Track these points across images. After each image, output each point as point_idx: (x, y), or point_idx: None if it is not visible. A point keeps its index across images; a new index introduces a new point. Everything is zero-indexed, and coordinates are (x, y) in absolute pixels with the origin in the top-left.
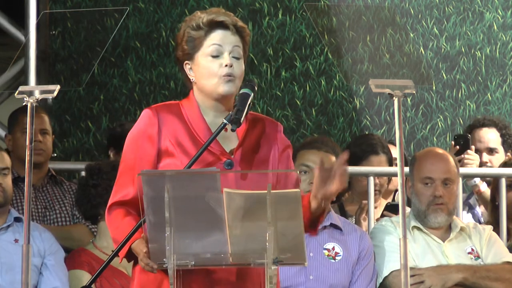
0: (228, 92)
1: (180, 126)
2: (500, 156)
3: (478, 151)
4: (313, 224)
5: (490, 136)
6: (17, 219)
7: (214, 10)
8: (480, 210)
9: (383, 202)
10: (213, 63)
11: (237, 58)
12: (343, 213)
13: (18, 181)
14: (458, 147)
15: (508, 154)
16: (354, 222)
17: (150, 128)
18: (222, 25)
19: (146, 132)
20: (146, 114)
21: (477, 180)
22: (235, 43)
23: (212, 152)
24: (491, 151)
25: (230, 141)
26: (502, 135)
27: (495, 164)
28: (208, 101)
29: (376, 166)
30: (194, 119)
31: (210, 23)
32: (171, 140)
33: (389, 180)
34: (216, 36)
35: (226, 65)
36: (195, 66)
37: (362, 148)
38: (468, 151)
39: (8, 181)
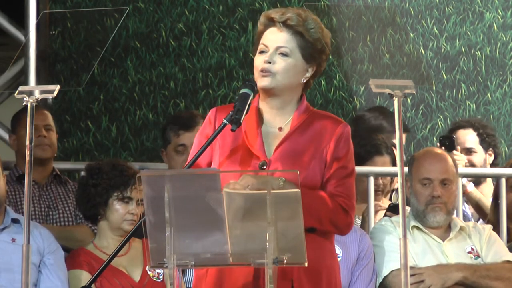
0: (265, 87)
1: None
2: (479, 155)
3: None
4: None
5: (466, 137)
6: (14, 220)
7: (285, 8)
8: (469, 210)
9: (385, 202)
10: (258, 58)
11: (284, 55)
12: None
13: (22, 179)
14: (443, 147)
15: (489, 152)
16: (360, 222)
17: (207, 128)
18: (272, 22)
19: (204, 132)
20: (208, 114)
21: (464, 180)
22: (281, 39)
23: (251, 152)
24: (468, 151)
25: (279, 140)
26: (479, 134)
27: (475, 163)
28: (262, 97)
29: (380, 167)
30: (247, 119)
31: (266, 20)
32: (219, 141)
33: (392, 180)
34: (266, 33)
35: (264, 61)
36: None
37: (366, 148)
38: (454, 151)
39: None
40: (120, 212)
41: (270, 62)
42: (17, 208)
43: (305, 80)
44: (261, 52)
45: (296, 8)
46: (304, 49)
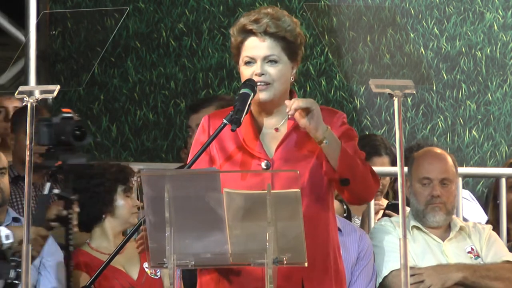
0: (264, 100)
1: (228, 131)
2: None
3: None
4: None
5: None
6: (15, 219)
7: (255, 12)
8: None
9: (384, 203)
10: (247, 70)
11: (274, 61)
12: (348, 213)
13: (18, 180)
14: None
15: None
16: (360, 222)
17: (202, 136)
18: (251, 32)
19: (199, 140)
20: (201, 122)
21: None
22: (267, 48)
23: (252, 154)
24: None
25: (278, 140)
26: None
27: None
28: (256, 106)
29: (379, 167)
30: (243, 123)
31: (242, 31)
32: (216, 145)
33: (391, 181)
34: (248, 44)
35: (256, 74)
36: (240, 70)
37: (365, 149)
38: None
39: (5, 181)
40: (127, 206)
41: (263, 74)
42: (14, 209)
43: (293, 78)
44: (248, 63)
45: (264, 7)
46: (288, 49)
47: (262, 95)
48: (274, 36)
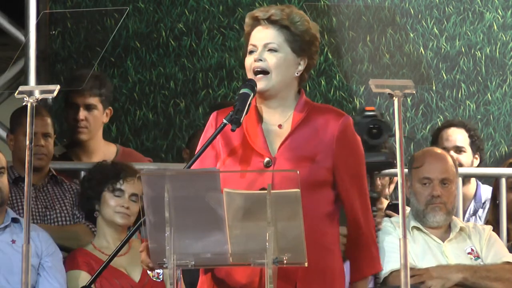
0: (260, 90)
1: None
2: (468, 155)
3: (446, 150)
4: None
5: (458, 136)
6: (14, 220)
7: (268, 6)
8: None
9: (384, 202)
10: (248, 59)
11: (274, 50)
12: None
13: (18, 181)
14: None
15: (476, 156)
16: None
17: (210, 131)
18: (257, 20)
19: (206, 136)
20: (210, 119)
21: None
22: (268, 36)
23: (255, 150)
24: (458, 149)
25: (281, 138)
26: (470, 136)
27: (463, 163)
28: (258, 98)
29: None
30: (248, 119)
31: (251, 20)
32: (222, 141)
33: (390, 181)
34: (254, 33)
35: (255, 60)
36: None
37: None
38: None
39: (4, 180)
40: (111, 204)
41: (261, 60)
42: (14, 210)
43: (298, 74)
44: (251, 52)
45: (280, 5)
46: (292, 42)
47: (259, 84)
48: (278, 24)
